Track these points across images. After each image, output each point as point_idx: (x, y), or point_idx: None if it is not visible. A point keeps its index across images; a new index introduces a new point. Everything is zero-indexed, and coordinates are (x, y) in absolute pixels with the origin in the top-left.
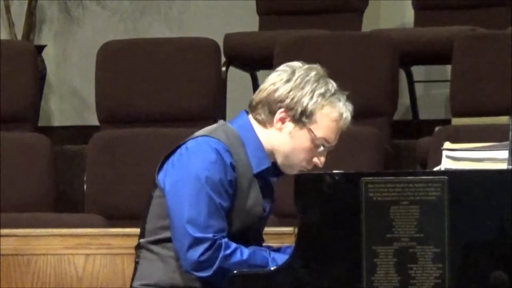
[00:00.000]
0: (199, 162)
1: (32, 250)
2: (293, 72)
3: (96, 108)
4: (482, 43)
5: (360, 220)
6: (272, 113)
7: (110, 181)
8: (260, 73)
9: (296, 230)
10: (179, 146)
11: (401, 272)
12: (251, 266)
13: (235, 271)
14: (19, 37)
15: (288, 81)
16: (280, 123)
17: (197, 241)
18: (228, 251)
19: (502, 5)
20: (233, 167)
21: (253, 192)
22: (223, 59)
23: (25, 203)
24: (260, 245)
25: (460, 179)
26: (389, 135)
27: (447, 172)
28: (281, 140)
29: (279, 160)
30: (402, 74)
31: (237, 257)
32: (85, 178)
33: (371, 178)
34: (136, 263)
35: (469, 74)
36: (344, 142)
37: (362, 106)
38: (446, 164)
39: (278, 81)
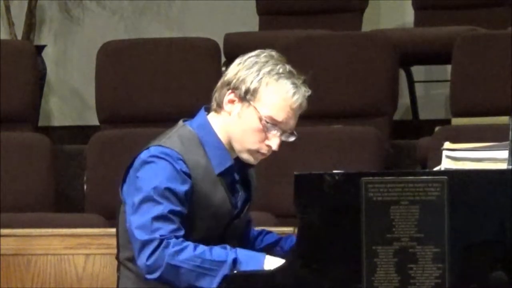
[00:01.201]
0: (149, 174)
1: (32, 250)
2: (245, 57)
3: (96, 108)
4: (482, 43)
5: (360, 220)
6: (222, 96)
7: (110, 181)
8: None
9: (296, 230)
10: (136, 157)
11: (401, 272)
12: (206, 260)
13: (235, 271)
14: (19, 37)
15: (238, 64)
16: (229, 105)
17: (144, 244)
18: (177, 248)
19: (502, 5)
20: (186, 175)
21: (219, 192)
22: (223, 59)
23: (25, 203)
24: (246, 247)
25: (460, 179)
26: (389, 135)
27: (447, 172)
28: (232, 123)
29: (235, 148)
30: (402, 74)
31: (188, 252)
32: (85, 178)
33: (371, 178)
34: (118, 277)
35: (469, 74)
36: (344, 142)
37: (362, 106)
38: (446, 164)
39: (232, 65)
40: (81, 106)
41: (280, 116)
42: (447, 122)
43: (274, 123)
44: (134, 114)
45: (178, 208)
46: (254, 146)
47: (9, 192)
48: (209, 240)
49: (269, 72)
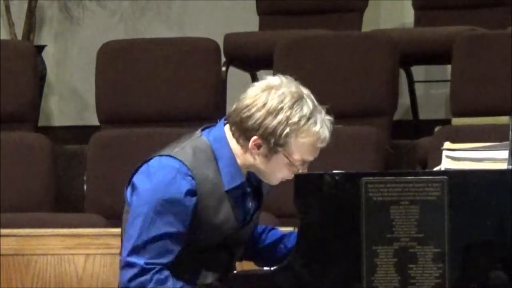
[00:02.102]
0: (154, 186)
1: (32, 250)
2: (267, 96)
3: (96, 108)
4: (482, 43)
5: (360, 220)
6: (247, 139)
7: (110, 181)
8: (260, 73)
9: (296, 230)
10: (146, 161)
11: (401, 272)
12: None
13: (234, 271)
14: (19, 37)
15: (263, 106)
16: (255, 149)
17: (127, 264)
18: (158, 286)
19: (502, 5)
20: (192, 193)
21: (224, 208)
22: (223, 59)
23: (25, 203)
24: (249, 246)
25: (460, 179)
26: (389, 135)
27: (447, 172)
28: (258, 161)
29: (257, 174)
30: (402, 74)
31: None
32: (85, 178)
33: (371, 178)
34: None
35: (469, 74)
36: (344, 142)
37: (362, 106)
38: (446, 164)
39: (253, 106)
40: (81, 106)
41: (311, 156)
42: (447, 122)
43: (304, 162)
44: (134, 114)
45: (174, 230)
46: (280, 178)
47: (9, 192)
48: (212, 247)
49: (298, 123)
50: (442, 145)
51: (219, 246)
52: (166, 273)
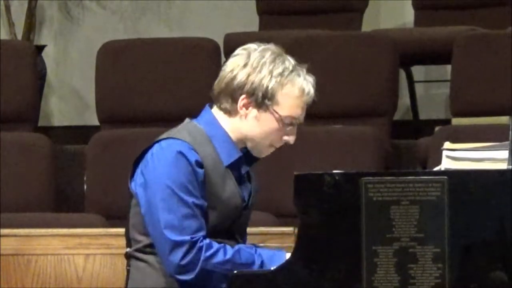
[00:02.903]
0: (164, 167)
1: (32, 250)
2: (248, 56)
3: (96, 108)
4: (482, 43)
5: (360, 220)
6: (235, 101)
7: (110, 181)
8: None
9: (296, 230)
10: (146, 150)
11: (401, 272)
12: (236, 264)
13: (235, 271)
14: (19, 37)
15: (244, 66)
16: (244, 109)
17: (176, 245)
18: (210, 252)
19: (502, 5)
20: (199, 164)
21: (229, 184)
22: (223, 59)
23: (25, 203)
24: (245, 241)
25: (460, 179)
26: (389, 135)
27: (447, 172)
28: (248, 125)
29: (250, 145)
30: (402, 74)
31: (219, 257)
32: (85, 178)
33: (371, 178)
34: (128, 271)
35: (469, 74)
36: (344, 142)
37: (362, 106)
38: (446, 164)
39: (235, 67)
40: (81, 106)
41: (298, 113)
42: (447, 122)
43: (293, 121)
44: (134, 114)
45: (200, 201)
46: (272, 143)
47: (9, 192)
48: (218, 233)
49: (281, 74)
50: (442, 145)
51: (227, 232)
52: (208, 240)
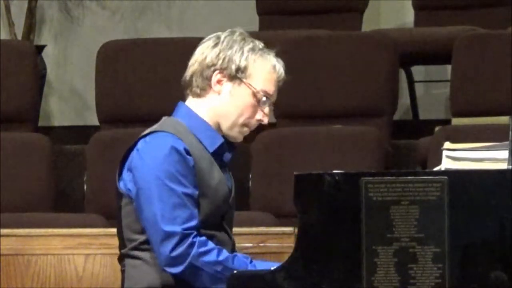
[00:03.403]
0: (153, 159)
1: (32, 250)
2: (218, 37)
3: (96, 108)
4: (482, 43)
5: (360, 220)
6: (208, 78)
7: (110, 181)
8: None
9: (296, 230)
10: (130, 149)
11: (401, 272)
12: (227, 268)
13: (235, 271)
14: (19, 37)
15: (215, 45)
16: (218, 85)
17: (167, 235)
18: (202, 249)
19: (502, 5)
20: (188, 152)
21: (215, 171)
22: None
23: (25, 203)
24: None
25: (460, 179)
26: (389, 135)
27: (447, 172)
28: (223, 102)
29: (225, 126)
30: (402, 74)
31: (212, 256)
32: (85, 178)
33: (371, 178)
34: (122, 272)
35: (469, 74)
36: (344, 142)
37: (362, 106)
38: (446, 164)
39: (205, 49)
40: (81, 106)
41: (271, 89)
42: (447, 122)
43: (267, 96)
44: (134, 114)
45: (191, 190)
46: (246, 121)
47: (9, 192)
48: (212, 226)
49: (252, 49)
50: (442, 145)
51: (220, 225)
52: (203, 237)
